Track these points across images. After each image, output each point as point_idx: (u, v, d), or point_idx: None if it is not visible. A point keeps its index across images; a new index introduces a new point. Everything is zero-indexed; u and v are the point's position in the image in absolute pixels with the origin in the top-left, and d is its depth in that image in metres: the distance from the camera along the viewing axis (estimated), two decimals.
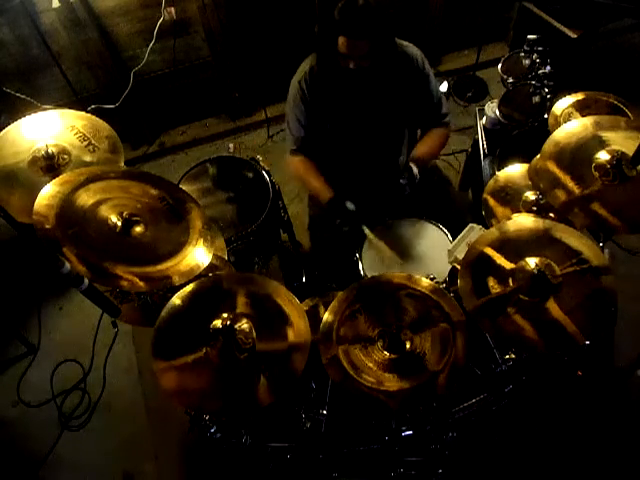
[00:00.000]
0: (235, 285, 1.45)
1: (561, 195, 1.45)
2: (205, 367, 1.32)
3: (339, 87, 1.84)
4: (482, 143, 2.37)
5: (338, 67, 1.76)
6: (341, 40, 1.64)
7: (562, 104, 1.82)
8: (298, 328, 1.38)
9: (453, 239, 1.77)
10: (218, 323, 1.35)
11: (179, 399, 1.32)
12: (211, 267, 1.43)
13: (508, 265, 1.42)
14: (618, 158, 1.42)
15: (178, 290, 1.41)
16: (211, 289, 1.44)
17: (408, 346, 1.39)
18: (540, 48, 2.24)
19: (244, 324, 1.36)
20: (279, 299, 1.43)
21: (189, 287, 1.42)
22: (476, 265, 1.45)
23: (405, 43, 1.88)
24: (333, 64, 1.76)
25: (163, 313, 1.39)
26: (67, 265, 1.15)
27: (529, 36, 2.26)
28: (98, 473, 2.30)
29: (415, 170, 1.87)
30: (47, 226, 1.20)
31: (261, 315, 1.40)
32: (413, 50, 1.88)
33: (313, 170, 1.96)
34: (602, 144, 1.49)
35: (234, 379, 1.32)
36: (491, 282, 1.41)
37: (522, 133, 2.20)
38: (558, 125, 1.73)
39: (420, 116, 2.03)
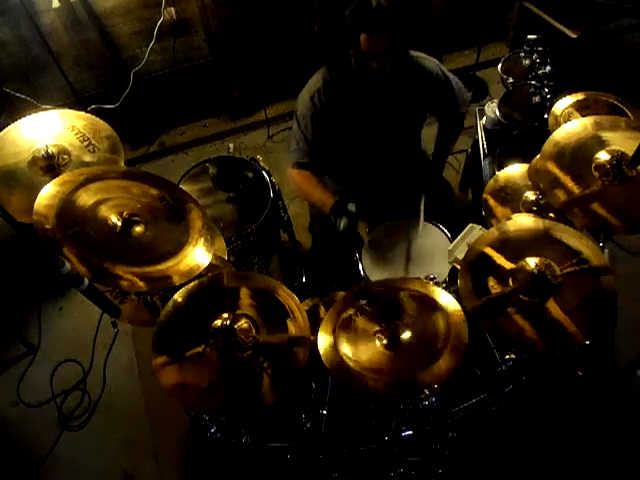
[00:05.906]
0: (237, 281, 1.46)
1: (561, 195, 1.45)
2: (206, 365, 1.32)
3: (355, 99, 1.85)
4: (482, 143, 2.37)
5: (352, 79, 1.79)
6: (362, 37, 1.65)
7: (562, 104, 1.82)
8: (299, 322, 1.39)
9: (453, 239, 1.77)
10: (218, 323, 1.35)
11: (178, 396, 1.31)
12: (211, 267, 1.43)
13: (508, 265, 1.42)
14: (618, 158, 1.42)
15: (178, 290, 1.41)
16: (213, 286, 1.44)
17: (407, 344, 1.39)
18: (540, 48, 2.24)
19: (244, 323, 1.36)
20: (279, 294, 1.44)
21: (192, 284, 1.42)
22: (476, 265, 1.45)
23: (420, 55, 1.90)
24: (347, 76, 1.79)
25: (165, 309, 1.39)
26: (67, 265, 1.15)
27: (529, 36, 2.25)
28: (98, 473, 2.29)
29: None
30: (47, 226, 1.20)
31: (264, 309, 1.40)
32: (428, 62, 1.91)
33: (313, 180, 1.96)
34: (602, 144, 1.49)
35: (236, 377, 1.32)
36: (491, 282, 1.41)
37: (522, 133, 2.20)
38: (558, 125, 1.72)
39: (442, 115, 2.16)
